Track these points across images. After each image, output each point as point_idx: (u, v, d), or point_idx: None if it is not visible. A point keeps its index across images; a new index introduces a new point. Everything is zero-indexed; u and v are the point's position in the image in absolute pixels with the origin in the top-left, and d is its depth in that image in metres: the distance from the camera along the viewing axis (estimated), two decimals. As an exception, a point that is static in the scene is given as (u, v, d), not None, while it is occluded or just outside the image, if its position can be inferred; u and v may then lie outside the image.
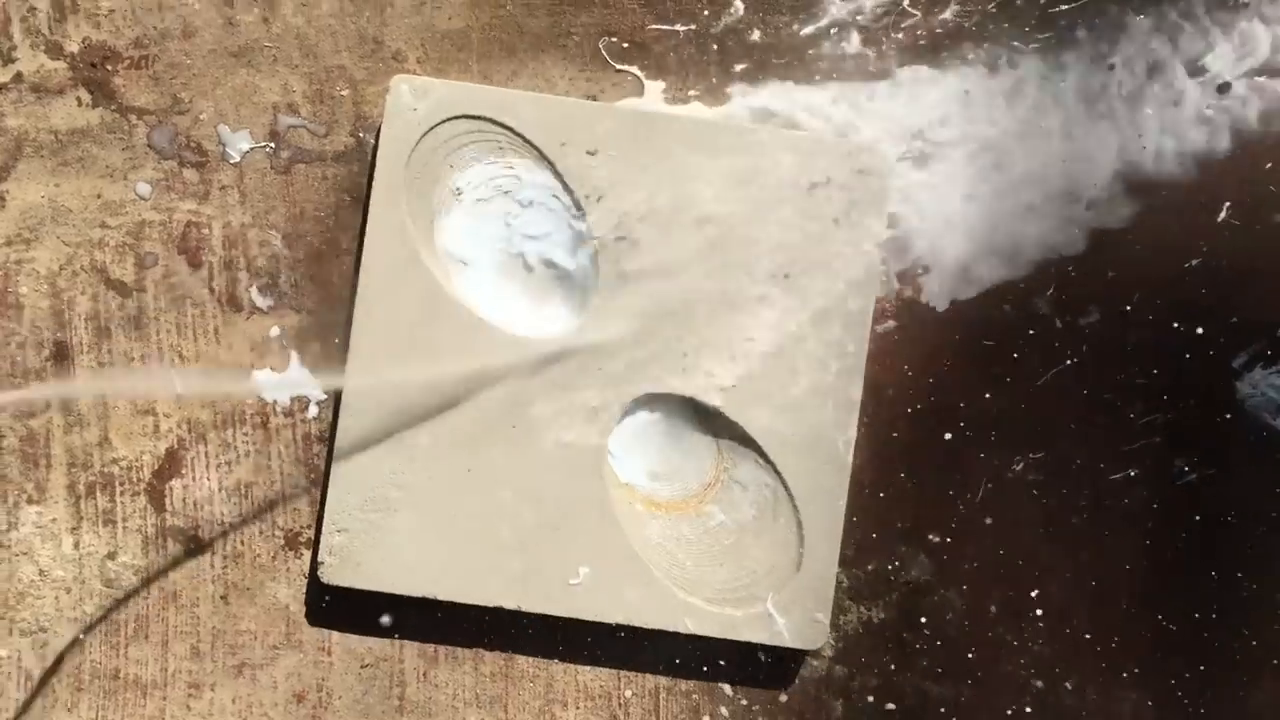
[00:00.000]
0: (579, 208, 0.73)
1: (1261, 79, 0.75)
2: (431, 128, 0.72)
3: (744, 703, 0.77)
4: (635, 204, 0.72)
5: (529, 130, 0.72)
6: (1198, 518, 0.77)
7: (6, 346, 0.76)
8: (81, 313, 0.76)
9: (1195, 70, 0.76)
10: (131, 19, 0.75)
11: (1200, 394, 0.77)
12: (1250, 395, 0.77)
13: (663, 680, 0.77)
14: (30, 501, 0.76)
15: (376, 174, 0.72)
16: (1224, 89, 0.76)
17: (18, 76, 0.75)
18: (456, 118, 0.72)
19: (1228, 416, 0.77)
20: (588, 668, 0.77)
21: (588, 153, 0.72)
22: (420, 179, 0.73)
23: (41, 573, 0.76)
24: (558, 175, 0.73)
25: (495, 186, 0.74)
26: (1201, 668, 0.77)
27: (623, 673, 0.77)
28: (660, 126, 0.73)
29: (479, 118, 0.72)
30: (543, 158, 0.73)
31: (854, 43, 0.76)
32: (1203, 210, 0.76)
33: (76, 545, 0.76)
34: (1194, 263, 0.76)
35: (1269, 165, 0.76)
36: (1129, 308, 0.76)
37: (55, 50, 0.75)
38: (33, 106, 0.75)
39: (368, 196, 0.74)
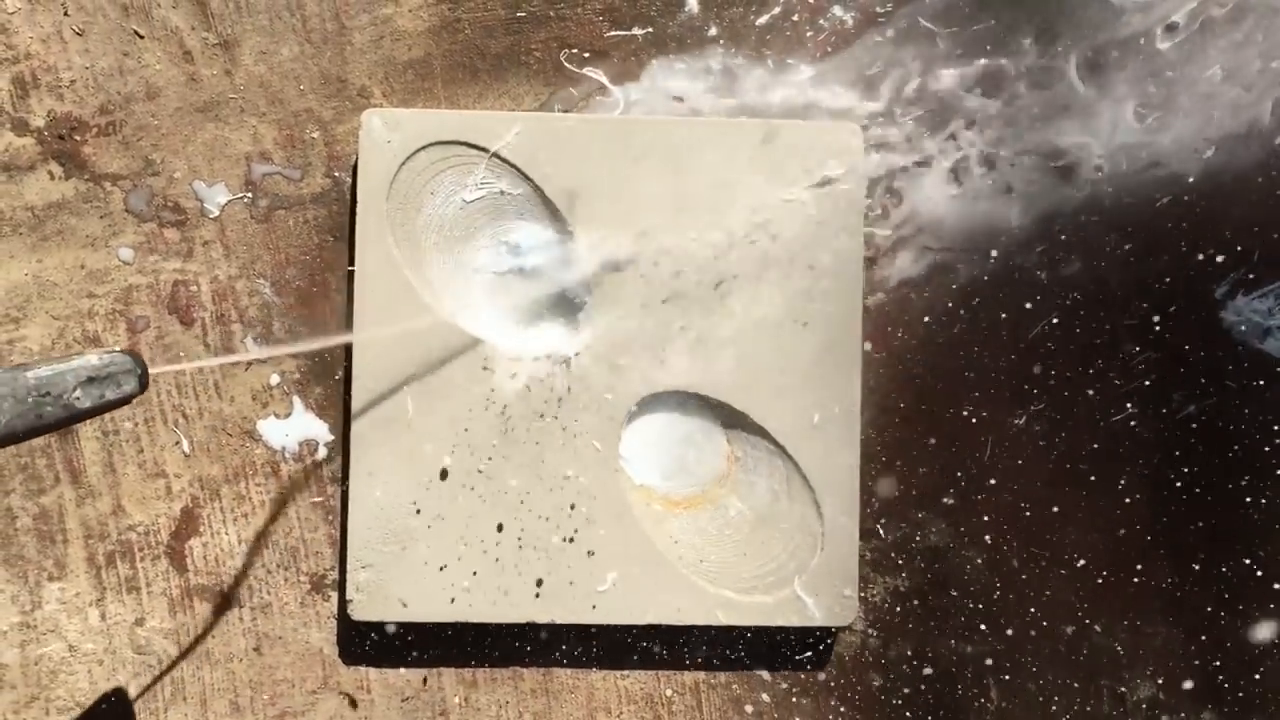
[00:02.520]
0: (564, 219, 0.73)
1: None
2: (408, 158, 0.72)
3: (784, 686, 0.77)
4: (618, 209, 0.73)
5: (504, 148, 0.73)
6: (1201, 447, 0.78)
7: (9, 427, 0.75)
8: (79, 384, 0.76)
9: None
10: (94, 86, 0.75)
11: (1187, 328, 0.78)
12: (1236, 322, 0.78)
13: (701, 675, 0.77)
14: (51, 579, 0.76)
15: (359, 210, 0.73)
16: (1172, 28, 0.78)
17: (-14, 158, 0.75)
18: (432, 145, 0.72)
19: (1216, 346, 0.78)
20: (626, 672, 0.77)
21: (564, 164, 0.73)
22: (403, 209, 0.73)
23: (71, 648, 0.76)
24: (538, 189, 0.73)
25: (479, 208, 0.74)
26: (1223, 592, 0.78)
27: (661, 672, 0.77)
28: (636, 130, 0.73)
29: (454, 142, 0.73)
30: (521, 174, 0.73)
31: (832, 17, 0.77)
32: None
33: (103, 616, 0.76)
34: (1164, 200, 0.78)
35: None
36: (1108, 252, 0.78)
37: (21, 127, 0.75)
38: (5, 185, 0.75)
39: (352, 233, 0.74)
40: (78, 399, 0.54)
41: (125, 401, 0.56)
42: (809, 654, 0.77)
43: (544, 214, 0.74)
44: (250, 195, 0.76)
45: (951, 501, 0.78)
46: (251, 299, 0.76)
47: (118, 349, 0.56)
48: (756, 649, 0.77)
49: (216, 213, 0.76)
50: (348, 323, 0.75)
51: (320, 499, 0.76)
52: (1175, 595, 0.78)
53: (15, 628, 0.75)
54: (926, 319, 0.77)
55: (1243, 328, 0.78)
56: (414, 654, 0.76)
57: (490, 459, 0.73)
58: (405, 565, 0.73)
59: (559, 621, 0.73)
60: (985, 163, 0.77)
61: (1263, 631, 0.78)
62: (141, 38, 0.75)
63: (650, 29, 0.77)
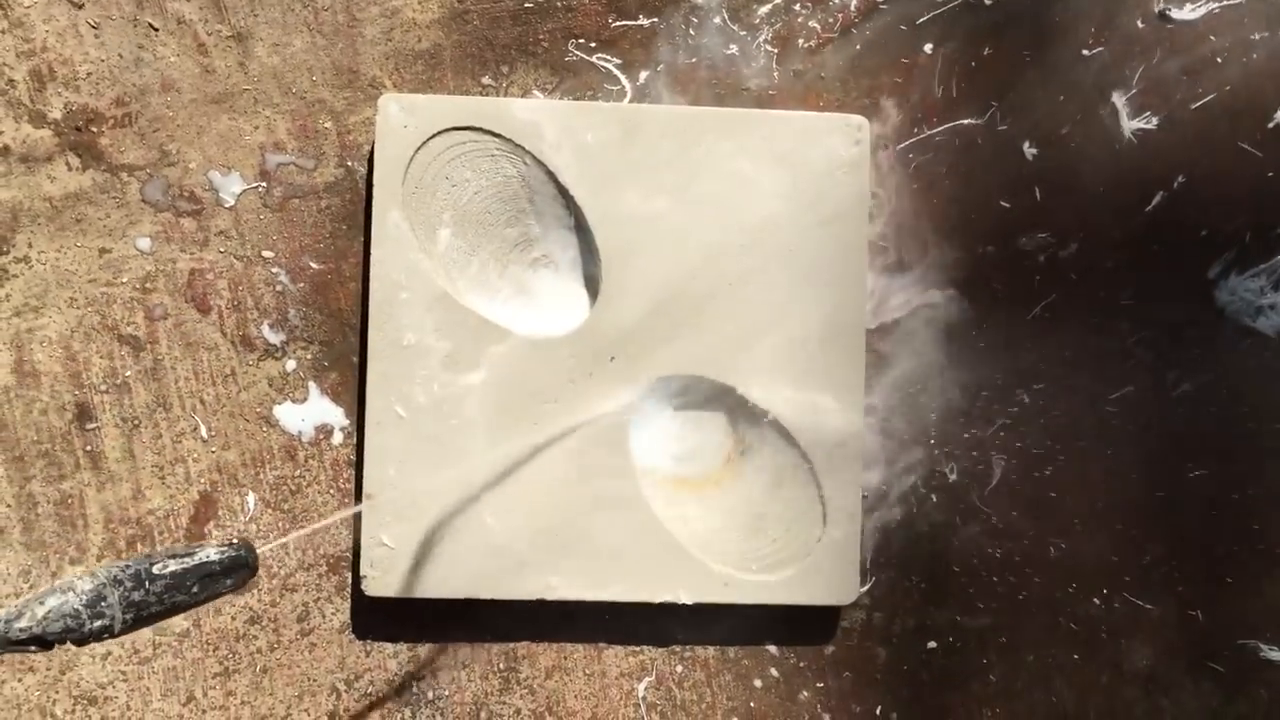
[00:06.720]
0: (578, 205, 0.75)
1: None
2: (424, 142, 0.73)
3: (792, 660, 0.79)
4: (631, 195, 0.74)
5: (520, 135, 0.74)
6: (1196, 423, 0.80)
7: (30, 414, 0.77)
8: (98, 372, 0.77)
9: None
10: (110, 79, 0.77)
11: (1182, 307, 0.80)
12: (1229, 302, 0.80)
13: (712, 650, 0.79)
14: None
15: (374, 194, 0.74)
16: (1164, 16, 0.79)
17: (5, 150, 0.76)
18: (448, 130, 0.74)
19: (1211, 325, 0.80)
20: (637, 647, 0.79)
21: (581, 149, 0.74)
22: (417, 194, 0.75)
23: (93, 631, 0.77)
24: (552, 176, 0.75)
25: (493, 194, 0.76)
26: (1219, 566, 0.80)
27: (673, 648, 0.79)
28: (645, 119, 0.75)
29: (469, 128, 0.74)
30: (536, 161, 0.75)
31: None
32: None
33: (124, 599, 0.77)
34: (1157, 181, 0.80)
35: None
36: (1105, 233, 0.79)
37: (39, 119, 0.76)
38: (24, 177, 0.76)
39: (367, 220, 0.75)
40: (195, 592, 0.58)
41: (236, 590, 0.61)
42: (816, 629, 0.79)
43: (556, 200, 0.76)
44: (265, 185, 0.77)
45: (954, 478, 0.79)
46: (267, 287, 0.78)
47: (234, 541, 0.60)
48: (766, 624, 0.79)
49: (232, 202, 0.77)
50: (363, 307, 0.76)
51: (336, 483, 0.78)
52: (1172, 568, 0.80)
53: (38, 611, 0.77)
54: (926, 301, 0.79)
55: (1235, 306, 0.80)
56: (429, 630, 0.78)
57: (501, 439, 0.74)
58: (418, 543, 0.74)
59: (570, 598, 0.75)
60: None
61: (1261, 604, 0.80)
62: (156, 31, 0.77)
63: (656, 17, 0.78)
